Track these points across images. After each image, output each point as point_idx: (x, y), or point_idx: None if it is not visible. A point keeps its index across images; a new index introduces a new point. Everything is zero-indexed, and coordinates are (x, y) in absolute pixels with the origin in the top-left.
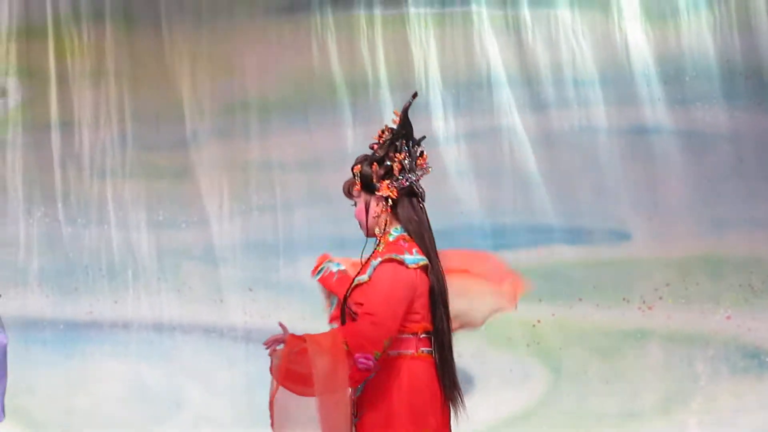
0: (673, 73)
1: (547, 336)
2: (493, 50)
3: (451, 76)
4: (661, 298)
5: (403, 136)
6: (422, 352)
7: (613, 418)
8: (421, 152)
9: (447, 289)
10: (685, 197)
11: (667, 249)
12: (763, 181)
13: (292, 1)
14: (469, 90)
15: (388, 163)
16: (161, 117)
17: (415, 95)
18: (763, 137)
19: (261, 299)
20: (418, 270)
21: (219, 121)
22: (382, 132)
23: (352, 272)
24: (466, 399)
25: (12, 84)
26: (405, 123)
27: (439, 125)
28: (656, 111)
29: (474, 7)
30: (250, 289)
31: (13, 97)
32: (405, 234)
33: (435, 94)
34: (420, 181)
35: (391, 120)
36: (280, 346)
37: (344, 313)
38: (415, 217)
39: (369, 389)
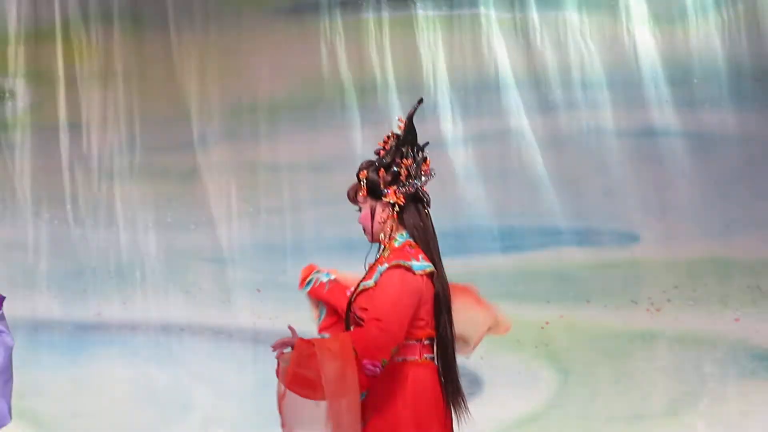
0: (681, 76)
1: (556, 338)
2: (501, 53)
3: (459, 79)
4: (669, 300)
5: (408, 142)
6: (426, 358)
7: (622, 419)
8: (425, 158)
9: (451, 296)
10: (694, 199)
11: (676, 251)
12: None
13: (300, 3)
14: (478, 92)
15: (395, 169)
16: (170, 119)
17: (420, 101)
18: None
19: (269, 301)
20: (425, 276)
21: (227, 123)
22: (388, 138)
23: (342, 281)
24: (474, 400)
25: (20, 86)
26: (410, 129)
27: (447, 128)
28: (664, 113)
29: (482, 10)
30: (259, 291)
31: (22, 99)
32: (410, 240)
33: (443, 97)
34: (424, 187)
35: (400, 117)
36: (288, 350)
37: (348, 319)
38: (421, 224)
39: (373, 395)
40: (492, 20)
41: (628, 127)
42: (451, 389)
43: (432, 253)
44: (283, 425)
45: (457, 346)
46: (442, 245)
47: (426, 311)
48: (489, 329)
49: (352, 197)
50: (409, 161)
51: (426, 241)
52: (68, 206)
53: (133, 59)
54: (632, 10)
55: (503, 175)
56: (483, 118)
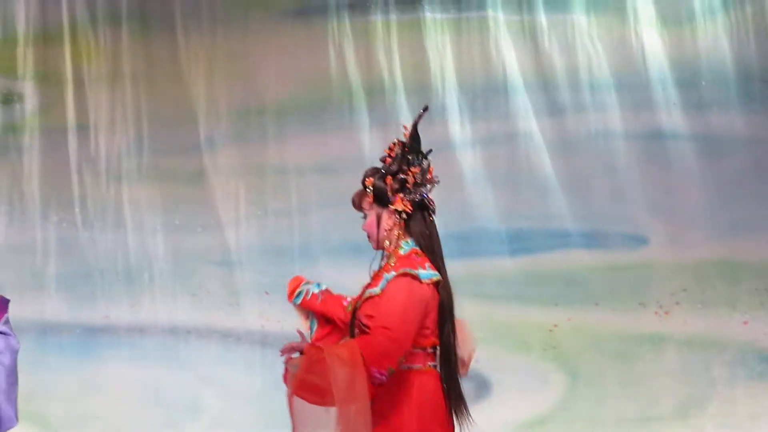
0: (689, 78)
1: (564, 341)
2: (509, 55)
3: (467, 81)
4: (677, 302)
5: (414, 150)
6: (429, 366)
7: (630, 422)
8: (429, 165)
9: (454, 304)
10: (702, 202)
11: (684, 254)
12: None
13: (308, 5)
14: (485, 95)
15: (402, 176)
16: (177, 121)
17: (425, 109)
18: None
19: (277, 303)
20: (431, 285)
21: (235, 125)
22: (394, 145)
23: (333, 290)
24: (483, 403)
25: (29, 88)
26: (415, 136)
27: (455, 130)
28: (672, 115)
29: (490, 12)
30: (267, 293)
31: (30, 101)
32: (416, 248)
33: (451, 99)
34: (429, 195)
35: (404, 125)
36: (296, 355)
37: (353, 326)
38: (427, 231)
39: (378, 403)
40: (500, 23)
41: (636, 129)
42: (453, 396)
43: (437, 261)
44: (294, 429)
45: None
46: (451, 248)
47: (431, 320)
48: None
49: (357, 204)
50: (416, 169)
51: (432, 248)
52: (76, 209)
53: (140, 61)
54: (640, 13)
55: (511, 178)
56: (491, 121)
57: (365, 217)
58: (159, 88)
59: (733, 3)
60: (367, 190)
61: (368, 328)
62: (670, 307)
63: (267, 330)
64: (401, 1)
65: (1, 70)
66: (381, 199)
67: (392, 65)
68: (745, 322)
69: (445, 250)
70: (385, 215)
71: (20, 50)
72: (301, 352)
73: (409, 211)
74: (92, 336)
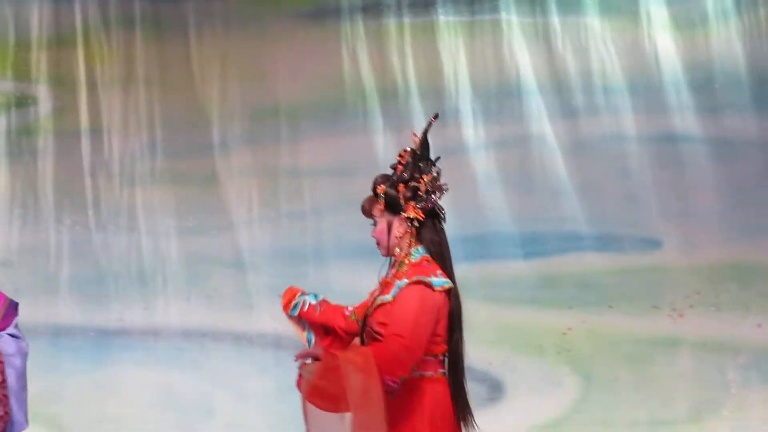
0: (703, 81)
1: (578, 343)
2: (522, 58)
3: (480, 84)
4: (691, 305)
5: (424, 157)
6: (440, 373)
7: (644, 425)
8: (439, 173)
9: (462, 311)
10: (715, 205)
11: (698, 257)
12: None
13: (321, 8)
14: (499, 98)
15: (414, 184)
16: (191, 123)
17: (435, 116)
18: None
19: None
20: (443, 293)
21: (248, 128)
22: (405, 152)
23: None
24: (496, 406)
25: (42, 92)
26: (425, 144)
27: (468, 133)
28: (685, 119)
29: (503, 15)
30: (280, 296)
31: (44, 105)
32: (427, 255)
33: (464, 102)
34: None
35: (417, 128)
36: (309, 360)
37: (363, 333)
38: (437, 239)
39: (390, 410)
40: (513, 25)
41: (650, 132)
42: (460, 404)
43: (448, 268)
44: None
45: None
46: (464, 251)
47: (442, 327)
48: None
49: (368, 211)
50: (428, 177)
51: (442, 255)
52: (90, 211)
53: (154, 64)
54: (653, 16)
55: (525, 181)
56: (504, 124)
57: (375, 224)
58: (172, 91)
59: (747, 6)
60: (379, 197)
61: (381, 335)
62: (684, 310)
63: (280, 332)
64: (414, 4)
65: (15, 74)
66: (393, 207)
67: (405, 68)
68: (759, 325)
69: (459, 253)
70: (396, 222)
71: (34, 54)
72: (316, 358)
73: (421, 219)
74: (106, 339)
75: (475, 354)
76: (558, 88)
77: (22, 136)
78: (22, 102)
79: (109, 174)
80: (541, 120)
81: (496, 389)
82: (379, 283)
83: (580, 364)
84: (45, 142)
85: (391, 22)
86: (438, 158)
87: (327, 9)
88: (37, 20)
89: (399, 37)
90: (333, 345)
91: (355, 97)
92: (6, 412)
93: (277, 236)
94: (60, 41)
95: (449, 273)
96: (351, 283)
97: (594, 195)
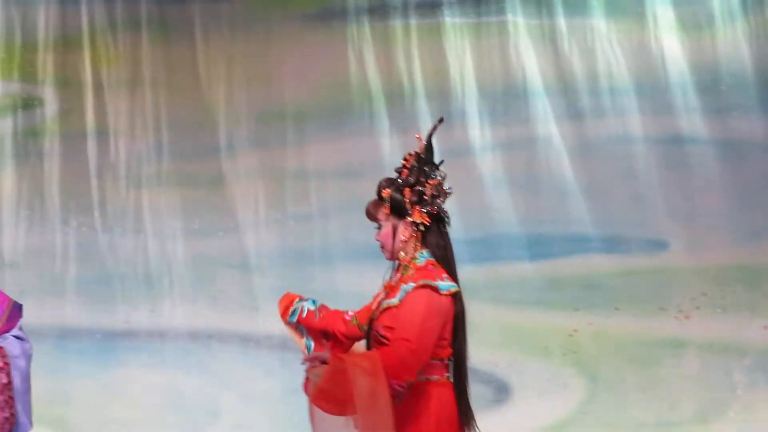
0: (709, 83)
1: (584, 345)
2: (529, 59)
3: (487, 86)
4: (698, 307)
5: (429, 162)
6: (445, 377)
7: (651, 427)
8: (443, 177)
9: (466, 314)
10: (722, 206)
11: (704, 258)
12: None
13: (328, 10)
14: (505, 99)
15: (420, 188)
16: (197, 126)
17: (440, 121)
18: None
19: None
20: (449, 296)
21: (255, 129)
22: (410, 156)
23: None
24: (503, 408)
25: (48, 94)
26: (430, 148)
27: (475, 135)
28: (692, 120)
29: (509, 17)
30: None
31: (50, 106)
32: (432, 259)
33: (471, 104)
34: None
35: (424, 130)
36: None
37: (369, 337)
38: (442, 243)
39: (396, 414)
40: (519, 27)
41: (656, 134)
42: (463, 407)
43: (452, 272)
44: None
45: None
46: (471, 253)
47: (448, 331)
48: None
49: (372, 215)
50: (434, 181)
51: (447, 259)
52: (96, 213)
53: (160, 66)
54: (659, 17)
55: (531, 183)
56: (511, 126)
57: (379, 227)
58: (178, 93)
59: (753, 7)
60: (384, 201)
61: (387, 339)
62: (690, 311)
63: (286, 334)
64: (421, 6)
65: (21, 76)
66: (398, 211)
67: (412, 70)
68: (765, 327)
69: (465, 255)
70: (401, 227)
71: (40, 55)
72: (323, 362)
73: (427, 223)
74: (112, 341)
75: (481, 356)
76: (564, 89)
77: (29, 138)
78: (29, 104)
79: (116, 176)
80: (547, 121)
81: (502, 391)
82: (383, 287)
83: (586, 365)
84: (51, 143)
85: (397, 24)
86: (442, 162)
87: (333, 11)
88: (44, 22)
89: (405, 39)
90: (333, 350)
91: (362, 98)
92: (12, 414)
93: (283, 238)
94: (66, 43)
95: (454, 277)
96: (357, 285)
97: (600, 196)
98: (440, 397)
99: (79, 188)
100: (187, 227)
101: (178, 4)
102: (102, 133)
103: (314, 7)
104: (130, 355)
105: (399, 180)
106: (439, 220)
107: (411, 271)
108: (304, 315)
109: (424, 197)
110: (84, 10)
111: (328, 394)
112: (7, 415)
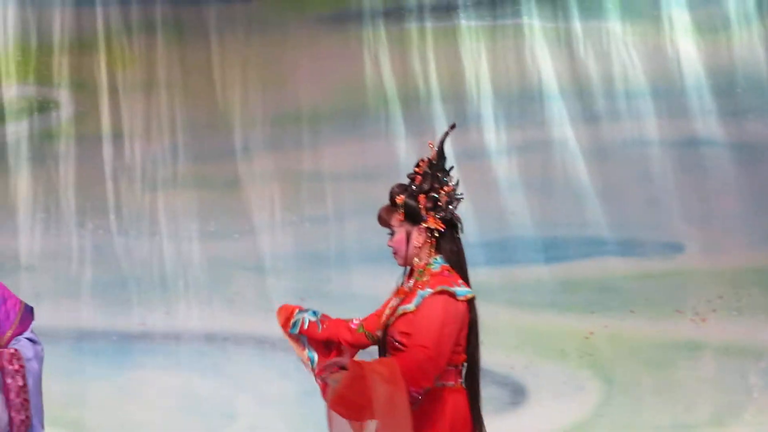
0: (725, 85)
1: (600, 348)
2: (544, 63)
3: (502, 89)
4: (713, 310)
5: (441, 168)
6: (460, 384)
7: (666, 430)
8: (456, 182)
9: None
10: (738, 209)
11: (720, 261)
12: None
13: (343, 13)
14: (521, 102)
15: (434, 195)
16: (212, 128)
17: (452, 127)
18: None
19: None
20: (466, 302)
21: (270, 132)
22: (422, 162)
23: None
24: (518, 410)
25: (64, 96)
26: (442, 154)
27: (490, 138)
28: (708, 123)
29: (525, 20)
30: (302, 300)
31: (66, 109)
32: (446, 264)
33: (486, 107)
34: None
35: (439, 132)
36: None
37: (384, 343)
38: (455, 248)
39: (412, 420)
40: (535, 30)
41: (672, 137)
42: (476, 414)
43: (467, 277)
44: None
45: None
46: (486, 256)
47: (463, 336)
48: None
49: (385, 221)
50: (449, 188)
51: (460, 265)
52: (112, 216)
53: (175, 69)
54: (675, 20)
55: (546, 186)
56: (526, 128)
57: (392, 233)
58: (194, 96)
59: None
60: (399, 207)
61: (403, 345)
62: (706, 314)
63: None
64: (436, 9)
65: (36, 79)
66: (412, 217)
67: (427, 73)
68: None
69: (481, 258)
70: (415, 233)
71: (56, 58)
72: (342, 368)
73: (442, 230)
74: (128, 343)
75: (497, 358)
76: (580, 92)
77: (44, 141)
78: (44, 106)
79: (131, 178)
80: (562, 124)
81: (518, 393)
82: (396, 293)
83: (602, 368)
84: (67, 146)
85: (413, 27)
86: (452, 167)
87: (349, 14)
88: (59, 25)
89: (421, 42)
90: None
91: (377, 101)
92: (27, 417)
93: (299, 240)
94: (82, 46)
95: (467, 282)
96: (373, 288)
97: (616, 199)
98: (455, 403)
99: (94, 191)
100: (202, 230)
101: (193, 7)
102: (117, 135)
103: (330, 9)
104: (145, 358)
105: (413, 186)
106: (452, 226)
107: (426, 277)
108: (306, 326)
109: (439, 203)
110: (99, 12)
111: (346, 399)
112: (23, 417)
